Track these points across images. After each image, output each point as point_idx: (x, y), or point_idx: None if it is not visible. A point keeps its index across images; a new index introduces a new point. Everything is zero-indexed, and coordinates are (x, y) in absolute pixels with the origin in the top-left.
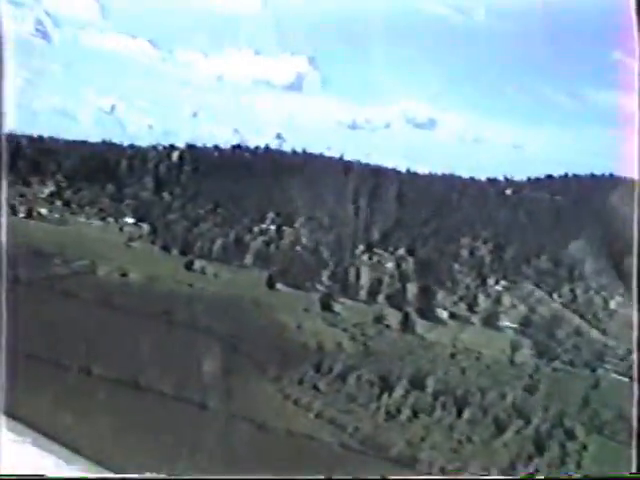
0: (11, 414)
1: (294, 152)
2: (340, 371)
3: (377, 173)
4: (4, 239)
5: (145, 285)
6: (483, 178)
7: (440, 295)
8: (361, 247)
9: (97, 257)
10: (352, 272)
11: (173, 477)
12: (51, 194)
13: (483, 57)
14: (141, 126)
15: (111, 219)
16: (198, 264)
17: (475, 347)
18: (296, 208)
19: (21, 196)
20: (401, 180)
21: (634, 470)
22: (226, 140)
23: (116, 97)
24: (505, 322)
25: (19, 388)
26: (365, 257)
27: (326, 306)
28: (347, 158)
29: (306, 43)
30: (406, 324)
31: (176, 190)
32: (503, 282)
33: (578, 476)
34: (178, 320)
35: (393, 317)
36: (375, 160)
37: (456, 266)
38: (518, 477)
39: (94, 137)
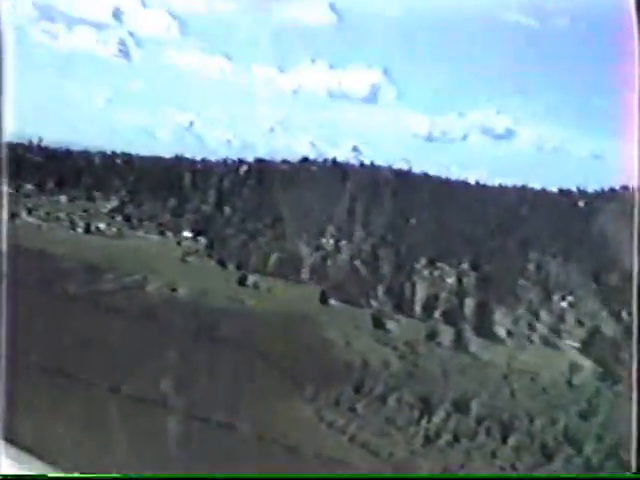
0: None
1: (362, 165)
2: (381, 392)
3: (444, 186)
4: (4, 246)
5: (193, 301)
6: (555, 189)
7: (500, 312)
8: (423, 261)
9: (149, 272)
10: (409, 287)
11: (173, 477)
12: (112, 209)
13: (564, 65)
14: (220, 141)
15: (170, 233)
16: (252, 279)
17: (532, 368)
18: (357, 222)
19: (84, 211)
20: (469, 192)
21: (634, 470)
22: (302, 154)
23: (194, 113)
24: (567, 341)
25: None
26: (426, 272)
27: (378, 323)
28: (421, 170)
29: (380, 54)
30: (459, 342)
31: (238, 204)
32: (569, 298)
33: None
34: (220, 337)
35: (447, 335)
36: (453, 173)
37: (521, 281)
38: (519, 477)
39: (173, 153)
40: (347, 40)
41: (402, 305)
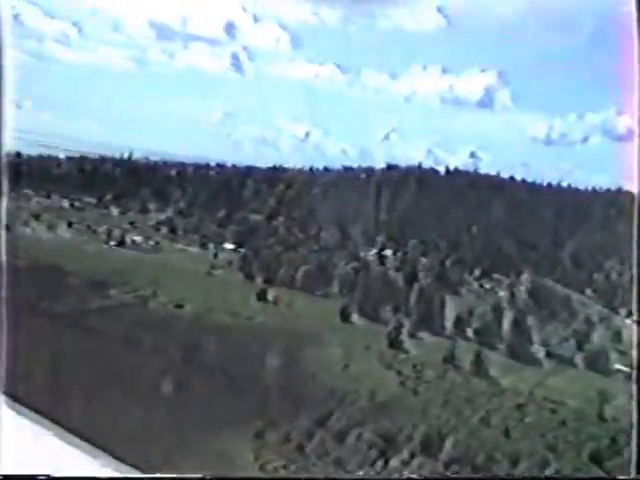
0: None
1: (448, 171)
2: (343, 428)
3: (520, 190)
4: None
5: (194, 318)
6: None
7: (548, 329)
8: (477, 272)
9: (162, 287)
10: (447, 302)
11: (173, 477)
12: (160, 221)
13: None
14: (336, 151)
15: (212, 245)
16: (273, 294)
17: (560, 396)
18: (411, 230)
19: (130, 224)
20: (552, 196)
21: (633, 473)
22: (419, 161)
23: (309, 124)
24: (617, 365)
25: None
26: (476, 284)
27: (394, 343)
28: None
29: (494, 57)
30: (480, 365)
31: (291, 213)
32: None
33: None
34: (197, 359)
35: (468, 356)
36: (574, 177)
37: (585, 294)
38: (518, 477)
39: (292, 163)
40: (458, 43)
41: (432, 321)
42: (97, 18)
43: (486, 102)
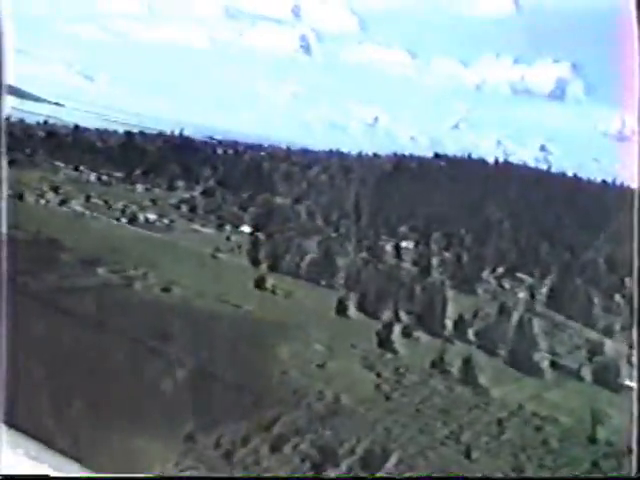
0: None
1: (496, 162)
2: (281, 435)
3: (575, 186)
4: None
5: (179, 302)
6: None
7: (559, 336)
8: (499, 270)
9: (155, 268)
10: (448, 300)
11: (173, 477)
12: (182, 200)
13: None
14: (405, 137)
15: (229, 227)
16: (272, 281)
17: (552, 411)
18: (439, 222)
19: (151, 201)
20: (608, 196)
21: (634, 472)
22: (489, 152)
23: (379, 109)
24: (628, 382)
25: None
26: (495, 283)
27: (384, 341)
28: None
29: (568, 48)
30: (467, 371)
31: (318, 198)
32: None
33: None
34: (156, 347)
35: (459, 361)
36: None
37: (617, 297)
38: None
39: (362, 148)
40: (531, 32)
41: (433, 320)
42: None
43: (558, 94)
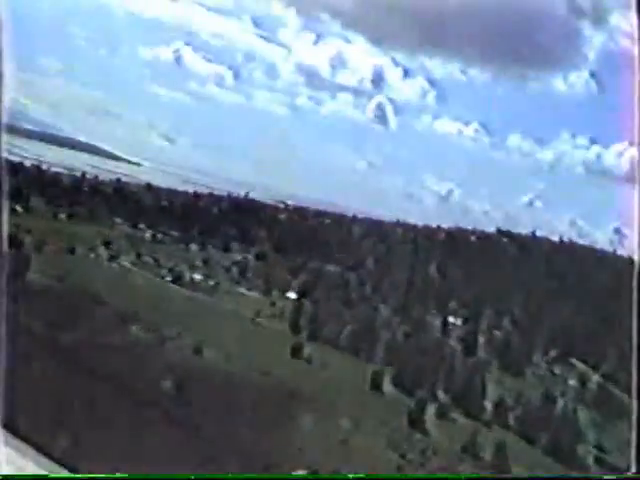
0: None
1: (561, 241)
2: None
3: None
4: None
5: (204, 366)
6: None
7: (609, 431)
8: (552, 354)
9: (194, 330)
10: (495, 381)
11: (173, 477)
12: (233, 262)
13: None
14: (478, 212)
15: (276, 292)
16: (310, 350)
17: None
18: (493, 300)
19: (203, 261)
20: None
21: (634, 470)
22: (563, 232)
23: (453, 182)
24: None
25: None
26: (544, 367)
27: (416, 421)
28: None
29: None
30: (499, 459)
31: (371, 268)
32: None
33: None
34: (170, 409)
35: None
36: None
37: None
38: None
39: (434, 220)
40: (608, 112)
41: (472, 402)
42: (252, 63)
43: (632, 176)
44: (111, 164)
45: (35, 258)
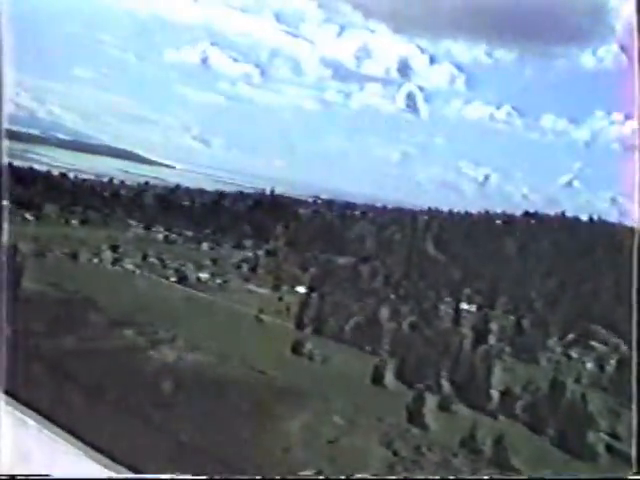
0: None
1: (591, 220)
2: None
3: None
4: None
5: (199, 368)
6: None
7: (623, 417)
8: (570, 337)
9: (192, 330)
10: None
11: (173, 477)
12: (243, 259)
13: None
14: (517, 195)
15: (285, 287)
16: (311, 346)
17: None
18: (510, 285)
19: (212, 260)
20: None
21: (634, 471)
22: (604, 211)
23: (488, 167)
24: None
25: None
26: (560, 351)
27: (414, 415)
28: None
29: None
30: (498, 453)
31: (384, 258)
32: None
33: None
34: (156, 421)
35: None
36: None
37: None
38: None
39: (475, 207)
40: None
41: (477, 393)
42: (278, 59)
43: None
44: (144, 169)
45: (34, 265)
